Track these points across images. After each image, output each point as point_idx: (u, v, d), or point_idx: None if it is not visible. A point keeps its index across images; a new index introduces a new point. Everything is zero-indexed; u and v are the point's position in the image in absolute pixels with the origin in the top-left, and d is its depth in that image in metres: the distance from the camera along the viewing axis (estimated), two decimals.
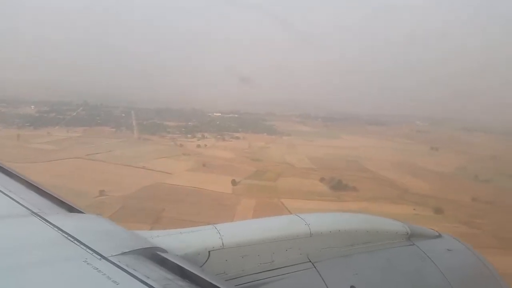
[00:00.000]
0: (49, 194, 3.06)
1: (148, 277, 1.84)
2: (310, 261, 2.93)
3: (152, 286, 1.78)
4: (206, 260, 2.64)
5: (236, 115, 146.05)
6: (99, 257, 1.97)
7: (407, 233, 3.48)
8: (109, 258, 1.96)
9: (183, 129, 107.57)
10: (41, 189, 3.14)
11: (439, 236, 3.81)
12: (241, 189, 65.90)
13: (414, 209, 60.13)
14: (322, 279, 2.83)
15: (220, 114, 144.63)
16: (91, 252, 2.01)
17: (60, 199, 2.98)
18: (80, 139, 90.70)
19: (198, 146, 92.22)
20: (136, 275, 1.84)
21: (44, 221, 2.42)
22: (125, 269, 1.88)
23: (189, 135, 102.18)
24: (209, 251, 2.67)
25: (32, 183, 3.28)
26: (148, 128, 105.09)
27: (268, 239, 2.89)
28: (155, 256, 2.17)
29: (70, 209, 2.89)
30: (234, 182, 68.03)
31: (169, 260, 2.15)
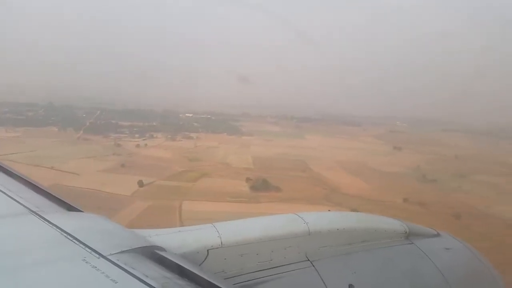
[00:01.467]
0: (48, 193, 3.07)
1: (146, 276, 1.87)
2: (308, 260, 2.94)
3: (151, 285, 1.81)
4: (205, 259, 2.64)
5: (208, 116, 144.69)
6: (97, 255, 1.98)
7: (406, 232, 3.50)
8: (108, 257, 1.98)
9: (135, 129, 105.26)
10: (40, 188, 3.15)
11: (438, 234, 3.82)
12: (145, 191, 62.78)
13: (329, 210, 56.82)
14: (321, 277, 2.86)
15: (192, 115, 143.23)
16: (90, 250, 2.02)
17: (59, 198, 2.99)
18: (14, 139, 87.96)
19: (138, 146, 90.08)
20: (135, 274, 1.87)
21: (43, 220, 2.43)
22: (123, 268, 1.90)
23: (136, 135, 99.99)
24: (207, 250, 2.67)
25: (31, 182, 3.28)
26: (98, 128, 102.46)
27: (266, 238, 2.89)
28: (154, 255, 2.19)
29: (69, 208, 2.90)
30: (141, 184, 64.54)
31: (168, 258, 2.18)
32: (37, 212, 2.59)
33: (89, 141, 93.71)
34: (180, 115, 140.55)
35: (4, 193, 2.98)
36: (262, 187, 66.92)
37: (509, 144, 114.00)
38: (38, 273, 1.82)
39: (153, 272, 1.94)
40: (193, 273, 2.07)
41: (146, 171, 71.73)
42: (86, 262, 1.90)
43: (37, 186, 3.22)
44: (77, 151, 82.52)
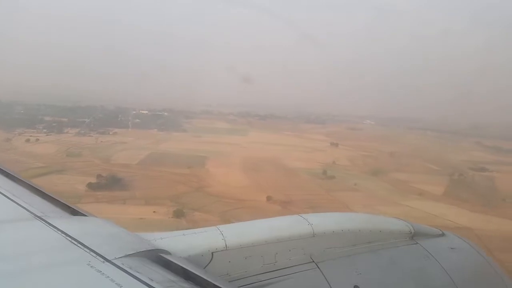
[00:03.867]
0: (53, 197, 3.08)
1: (151, 279, 1.89)
2: (313, 261, 2.94)
3: None
4: (209, 262, 2.66)
5: (165, 113, 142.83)
6: (102, 260, 2.00)
7: (411, 232, 3.50)
8: (113, 261, 2.00)
9: (54, 124, 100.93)
10: (44, 193, 3.16)
11: (443, 234, 3.79)
12: None
13: (154, 211, 52.14)
14: (326, 279, 2.85)
15: (146, 111, 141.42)
16: (95, 255, 2.04)
17: (64, 202, 3.00)
18: None
19: (28, 140, 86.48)
20: (140, 277, 1.88)
21: (48, 225, 2.44)
22: (128, 272, 1.92)
23: (45, 130, 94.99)
24: (212, 253, 2.69)
25: (35, 187, 3.29)
26: (12, 122, 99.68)
27: (271, 240, 2.90)
28: (158, 258, 2.21)
29: (74, 212, 2.91)
30: None
31: (172, 262, 2.20)
32: (41, 217, 2.59)
33: None
34: (134, 112, 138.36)
35: (9, 198, 2.98)
36: (107, 185, 60.33)
37: (468, 143, 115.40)
38: (43, 277, 1.83)
39: (158, 275, 1.96)
40: (198, 276, 2.08)
41: None
42: (91, 266, 1.92)
43: (41, 191, 3.19)
44: None
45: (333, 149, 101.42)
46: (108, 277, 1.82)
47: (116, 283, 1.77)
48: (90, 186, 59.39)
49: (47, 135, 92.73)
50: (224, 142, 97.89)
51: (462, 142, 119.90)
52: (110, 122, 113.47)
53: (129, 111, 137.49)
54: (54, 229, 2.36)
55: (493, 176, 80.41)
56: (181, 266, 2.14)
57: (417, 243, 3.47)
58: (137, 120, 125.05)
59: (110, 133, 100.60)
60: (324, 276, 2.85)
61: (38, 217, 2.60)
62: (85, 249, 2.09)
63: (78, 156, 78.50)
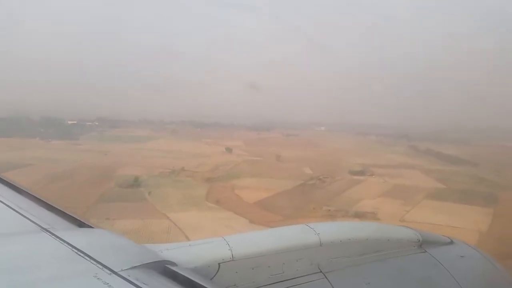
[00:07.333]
0: (59, 210, 3.09)
1: None
2: (321, 271, 2.90)
3: None
4: (216, 273, 2.63)
5: (95, 123, 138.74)
6: (109, 272, 1.99)
7: (419, 240, 3.45)
8: (119, 273, 1.99)
9: None
10: (51, 205, 3.18)
11: (452, 242, 3.73)
12: None
13: None
14: None
15: (75, 121, 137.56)
16: (101, 267, 2.04)
17: (70, 214, 3.02)
18: None
19: None
20: None
21: (54, 237, 2.45)
22: (135, 284, 1.91)
23: None
24: (219, 263, 2.66)
25: (42, 199, 3.30)
26: None
27: (278, 250, 2.88)
28: (165, 270, 2.21)
29: (80, 224, 2.92)
30: None
31: (179, 273, 2.20)
32: (48, 229, 2.60)
33: None
34: (62, 122, 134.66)
35: (16, 210, 2.99)
36: None
37: (402, 147, 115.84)
38: None
39: (165, 287, 1.99)
40: (205, 287, 2.10)
41: None
42: (98, 278, 1.91)
43: (47, 203, 3.21)
44: None
45: (222, 154, 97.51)
46: None
47: None
48: None
49: None
50: (98, 150, 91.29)
51: (396, 146, 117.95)
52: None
53: (59, 121, 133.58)
54: (60, 241, 2.36)
55: (359, 180, 76.52)
56: (188, 278, 2.13)
57: (425, 251, 3.41)
58: (41, 130, 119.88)
59: None
60: (332, 286, 2.80)
61: (45, 229, 2.60)
62: (91, 261, 2.08)
63: None
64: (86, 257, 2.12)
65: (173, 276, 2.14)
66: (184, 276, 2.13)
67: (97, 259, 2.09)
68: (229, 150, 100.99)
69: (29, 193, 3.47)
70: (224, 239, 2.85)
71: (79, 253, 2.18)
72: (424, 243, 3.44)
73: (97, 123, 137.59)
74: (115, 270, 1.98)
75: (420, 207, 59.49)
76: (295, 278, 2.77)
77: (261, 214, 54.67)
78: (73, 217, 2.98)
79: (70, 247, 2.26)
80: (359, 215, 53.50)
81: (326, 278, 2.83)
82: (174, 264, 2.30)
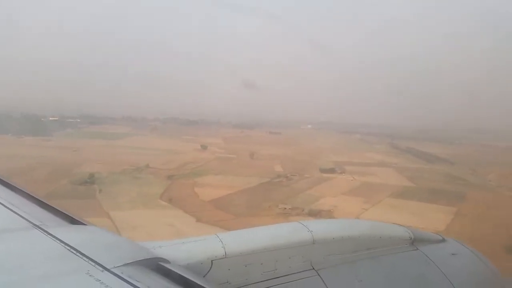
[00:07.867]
0: (51, 206, 3.06)
1: None
2: (313, 269, 2.91)
3: None
4: (209, 270, 2.63)
5: (77, 120, 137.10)
6: (101, 268, 1.98)
7: (411, 238, 3.45)
8: (112, 270, 1.98)
9: None
10: (42, 202, 3.14)
11: (443, 240, 3.75)
12: None
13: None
14: (326, 286, 2.83)
15: (57, 118, 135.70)
16: (93, 264, 2.02)
17: (62, 211, 2.99)
18: None
19: None
20: (139, 286, 1.87)
21: (46, 234, 2.43)
22: (127, 280, 1.90)
23: None
24: (211, 261, 2.66)
25: (33, 196, 3.27)
26: None
27: (271, 247, 2.87)
28: (158, 267, 2.20)
29: (72, 221, 2.90)
30: None
31: (172, 270, 2.19)
32: (40, 226, 2.57)
33: None
34: (42, 119, 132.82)
35: (7, 207, 2.96)
36: None
37: (383, 145, 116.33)
38: (42, 287, 1.82)
39: (157, 284, 1.97)
40: (198, 284, 2.09)
41: None
42: (90, 275, 1.90)
43: (39, 200, 3.17)
44: None
45: (195, 152, 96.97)
46: (107, 286, 1.80)
47: None
48: None
49: None
50: (67, 147, 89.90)
51: (378, 145, 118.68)
52: None
53: (37, 118, 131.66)
54: (52, 238, 2.33)
55: (328, 177, 75.35)
56: (181, 275, 2.12)
57: (417, 249, 3.41)
58: (17, 126, 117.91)
59: None
60: (325, 283, 2.82)
61: (37, 226, 2.57)
62: (84, 258, 2.06)
63: None
64: (78, 254, 2.09)
65: (166, 273, 2.11)
66: (177, 273, 2.12)
67: (89, 256, 2.06)
68: (204, 147, 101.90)
69: (21, 190, 3.38)
70: (217, 236, 2.84)
71: (71, 250, 2.14)
72: (416, 241, 3.44)
73: (78, 120, 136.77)
74: (108, 267, 1.96)
75: (381, 206, 58.31)
76: (287, 275, 2.77)
77: (212, 212, 52.98)
78: (65, 213, 2.93)
79: (62, 244, 2.22)
80: (314, 213, 52.14)
81: (319, 275, 2.84)
82: (167, 261, 2.28)
